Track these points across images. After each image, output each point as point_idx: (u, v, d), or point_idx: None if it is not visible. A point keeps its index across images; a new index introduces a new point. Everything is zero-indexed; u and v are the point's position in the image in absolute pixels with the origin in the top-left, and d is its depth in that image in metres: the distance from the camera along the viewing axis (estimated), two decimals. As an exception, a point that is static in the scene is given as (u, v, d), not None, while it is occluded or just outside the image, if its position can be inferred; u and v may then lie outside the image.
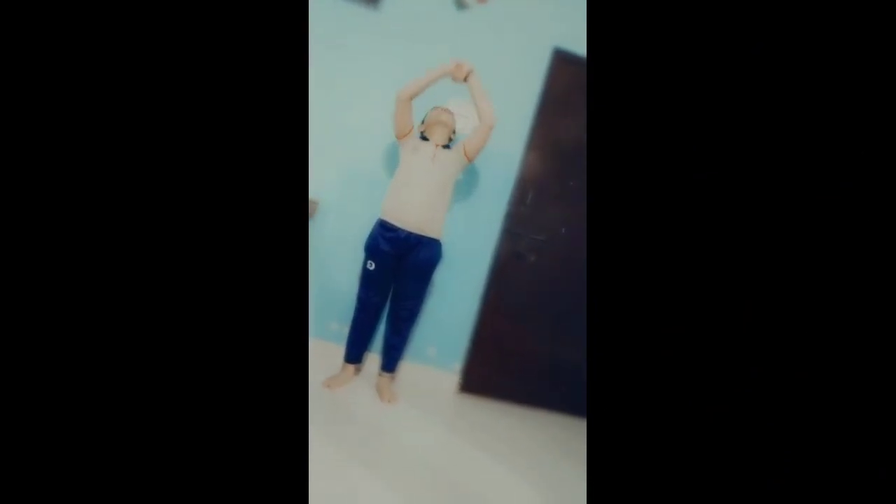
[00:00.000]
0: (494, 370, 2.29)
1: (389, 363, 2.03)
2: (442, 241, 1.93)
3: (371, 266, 1.89)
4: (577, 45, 2.16)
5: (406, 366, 2.19)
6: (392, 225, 1.82)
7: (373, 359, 2.15)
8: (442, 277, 2.17)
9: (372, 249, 1.88)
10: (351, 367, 2.02)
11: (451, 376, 2.27)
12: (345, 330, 2.08)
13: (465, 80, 1.77)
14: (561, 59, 2.16)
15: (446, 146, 1.87)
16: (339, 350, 2.07)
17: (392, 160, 2.12)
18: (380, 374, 2.05)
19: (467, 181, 2.17)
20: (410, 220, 1.80)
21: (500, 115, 2.16)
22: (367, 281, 1.92)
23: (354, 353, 2.02)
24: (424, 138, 1.87)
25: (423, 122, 1.93)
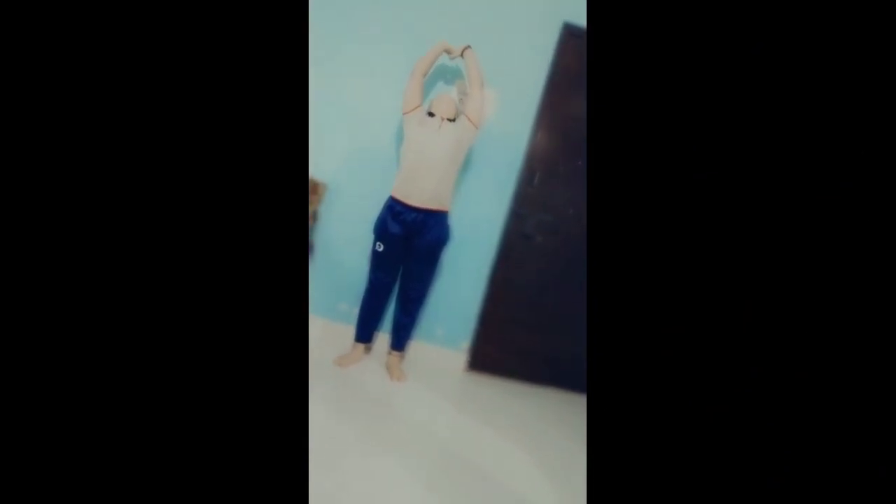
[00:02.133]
0: (501, 349, 2.32)
1: (399, 342, 2.08)
2: (450, 215, 1.95)
3: (380, 248, 1.91)
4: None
5: (415, 345, 2.23)
6: (402, 203, 1.84)
7: (382, 338, 2.19)
8: (450, 258, 2.18)
9: (380, 231, 1.90)
10: (361, 346, 2.07)
11: (458, 355, 2.31)
12: (354, 311, 2.11)
13: (462, 55, 1.90)
14: (570, 34, 2.10)
15: (451, 120, 1.87)
16: (349, 330, 2.11)
17: (399, 141, 2.10)
18: (389, 353, 2.09)
19: (475, 161, 2.15)
20: (421, 194, 1.82)
21: (509, 92, 2.13)
22: (376, 262, 1.95)
23: (364, 333, 2.06)
24: (430, 115, 1.87)
25: (429, 104, 1.92)
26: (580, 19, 2.10)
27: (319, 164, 2.03)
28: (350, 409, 1.68)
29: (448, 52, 1.90)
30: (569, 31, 2.10)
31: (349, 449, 1.44)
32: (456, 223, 2.10)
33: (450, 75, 2.10)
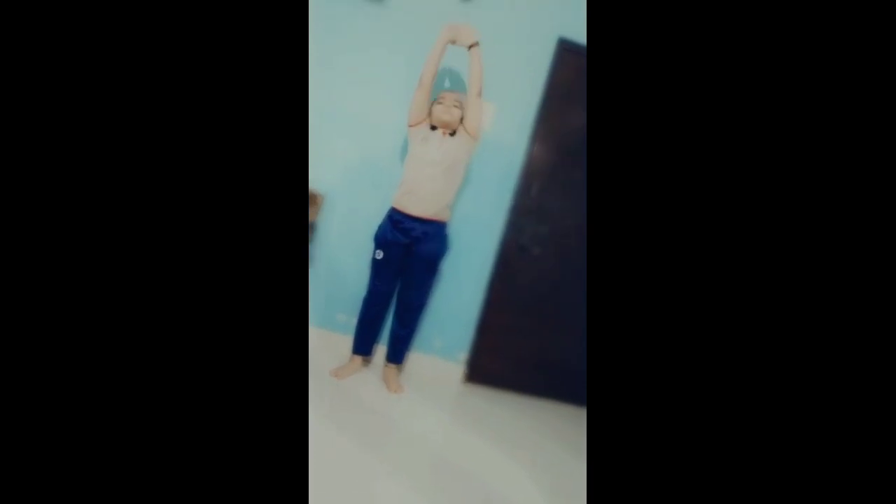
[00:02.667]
0: (499, 361, 2.32)
1: (396, 355, 2.07)
2: (449, 224, 1.97)
3: (379, 255, 1.92)
4: (583, 35, 2.14)
5: (413, 356, 2.22)
6: (402, 213, 1.86)
7: (380, 349, 2.18)
8: (448, 269, 2.18)
9: (380, 239, 1.92)
10: (358, 359, 2.06)
11: (456, 367, 2.30)
12: (352, 321, 2.11)
13: (470, 48, 1.85)
14: (566, 49, 2.14)
15: (453, 133, 1.89)
16: (346, 340, 2.10)
17: (397, 152, 2.12)
18: (386, 365, 2.08)
19: (473, 172, 2.17)
20: (420, 204, 1.85)
21: (506, 105, 2.16)
22: (376, 270, 1.96)
23: (363, 346, 2.05)
24: (433, 127, 1.89)
25: (429, 115, 1.93)
26: (575, 34, 2.14)
27: (317, 175, 2.05)
28: (347, 421, 1.67)
29: (453, 40, 1.86)
30: (564, 45, 2.14)
31: (345, 461, 1.43)
32: (454, 234, 2.10)
33: (450, 81, 2.13)
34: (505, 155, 2.18)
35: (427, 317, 2.21)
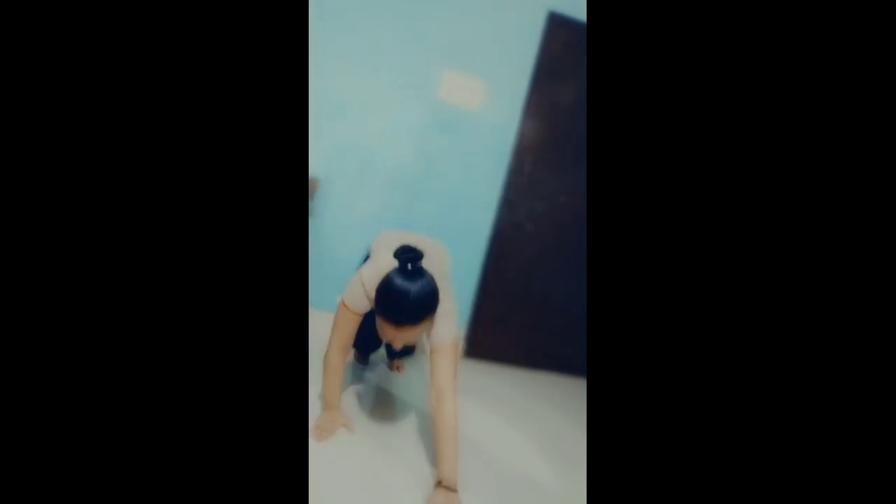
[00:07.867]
0: (497, 336, 2.36)
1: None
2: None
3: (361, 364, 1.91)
4: (572, 8, 2.13)
5: (411, 334, 2.26)
6: None
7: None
8: (443, 248, 2.21)
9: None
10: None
11: (455, 343, 2.34)
12: (350, 302, 2.13)
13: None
14: (556, 22, 2.13)
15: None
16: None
17: (391, 137, 2.12)
18: (387, 343, 2.10)
19: (465, 150, 2.17)
20: None
21: (496, 82, 2.15)
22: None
23: (361, 359, 1.91)
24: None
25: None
26: (565, 8, 2.12)
27: (312, 160, 2.04)
28: (348, 398, 1.71)
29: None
30: (554, 19, 2.13)
31: (348, 438, 1.47)
32: (447, 213, 2.12)
33: (446, 65, 2.11)
34: (496, 132, 2.19)
35: (425, 295, 2.24)
